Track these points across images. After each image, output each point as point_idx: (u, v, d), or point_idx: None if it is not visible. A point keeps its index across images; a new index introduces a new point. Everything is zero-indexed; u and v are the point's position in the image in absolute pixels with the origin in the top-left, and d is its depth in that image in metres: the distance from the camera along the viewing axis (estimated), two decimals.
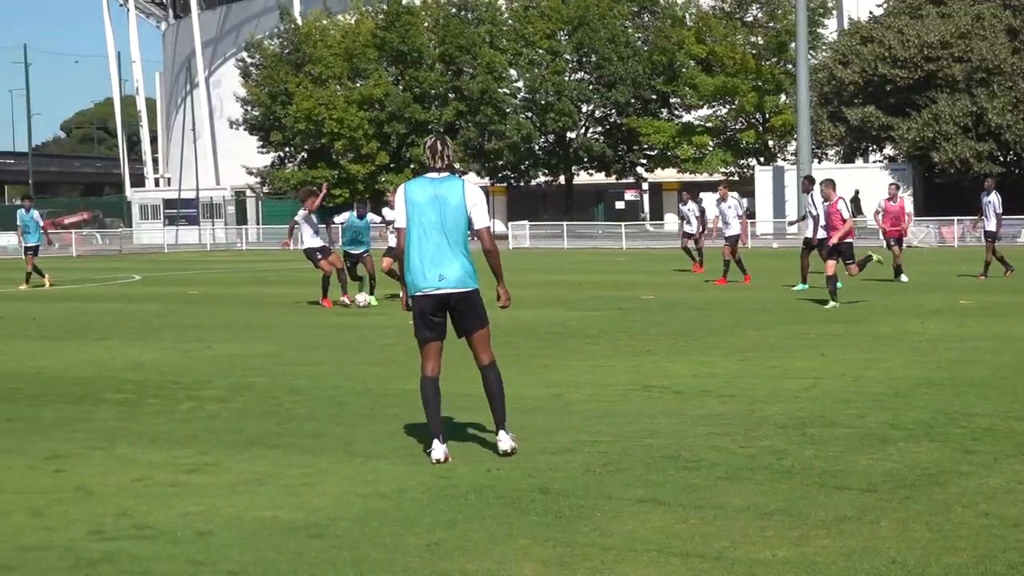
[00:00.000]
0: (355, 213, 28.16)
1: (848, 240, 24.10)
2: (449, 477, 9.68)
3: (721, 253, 33.17)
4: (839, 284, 24.53)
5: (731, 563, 7.31)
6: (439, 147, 10.47)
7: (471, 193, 10.42)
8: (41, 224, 36.17)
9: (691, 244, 37.90)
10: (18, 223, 35.99)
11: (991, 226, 32.24)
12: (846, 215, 23.83)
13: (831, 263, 23.86)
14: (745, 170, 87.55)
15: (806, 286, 29.15)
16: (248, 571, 7.37)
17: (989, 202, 32.35)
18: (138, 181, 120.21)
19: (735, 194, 32.64)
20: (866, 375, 14.89)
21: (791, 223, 36.63)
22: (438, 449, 10.23)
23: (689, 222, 37.82)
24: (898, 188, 34.24)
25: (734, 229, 32.48)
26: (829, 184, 24.44)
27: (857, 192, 69.14)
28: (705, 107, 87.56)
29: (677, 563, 7.35)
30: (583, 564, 7.36)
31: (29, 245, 35.76)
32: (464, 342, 10.83)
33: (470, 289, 10.49)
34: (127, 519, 8.62)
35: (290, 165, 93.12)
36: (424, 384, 10.42)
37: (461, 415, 12.41)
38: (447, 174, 10.47)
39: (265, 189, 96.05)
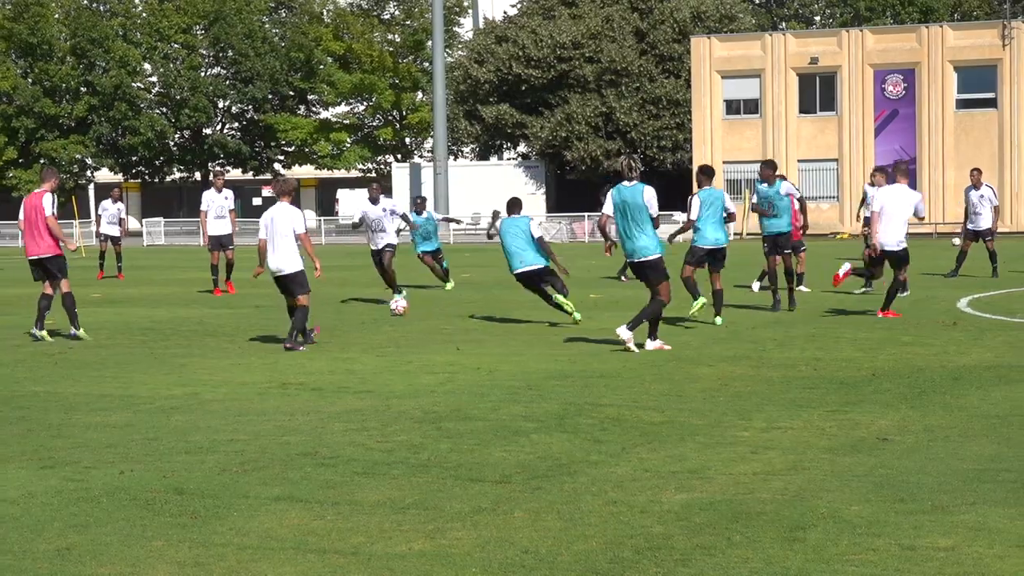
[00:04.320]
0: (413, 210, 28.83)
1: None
2: (81, 480, 9.47)
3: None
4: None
5: (368, 558, 7.36)
6: (631, 163, 16.81)
7: (648, 194, 16.56)
8: None
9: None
10: None
11: (984, 223, 29.09)
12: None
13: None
14: (382, 167, 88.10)
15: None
16: None
17: (982, 196, 29.18)
18: None
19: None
20: (501, 368, 15.17)
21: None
22: None
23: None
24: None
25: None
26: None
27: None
28: (343, 104, 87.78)
29: (314, 559, 7.36)
30: (219, 564, 7.31)
31: None
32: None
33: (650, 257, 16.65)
34: None
35: None
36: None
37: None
38: (636, 182, 16.63)
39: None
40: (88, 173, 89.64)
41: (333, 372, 15.17)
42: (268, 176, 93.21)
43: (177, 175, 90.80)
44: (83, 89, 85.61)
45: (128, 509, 8.60)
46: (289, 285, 18.03)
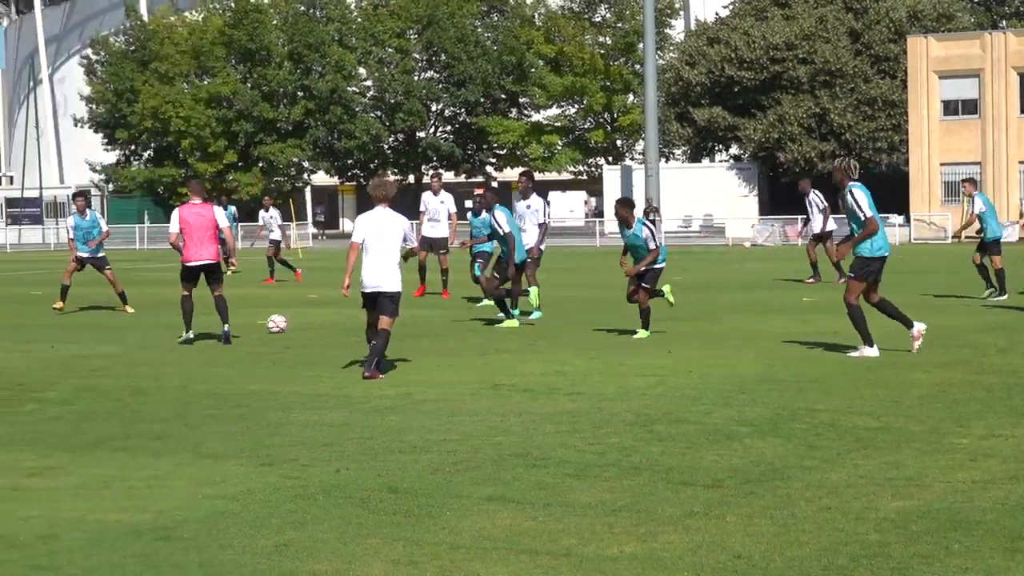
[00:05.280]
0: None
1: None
2: (298, 477, 9.62)
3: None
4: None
5: (579, 560, 7.35)
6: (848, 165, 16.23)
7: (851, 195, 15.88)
8: None
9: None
10: None
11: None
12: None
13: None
14: (593, 169, 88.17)
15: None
16: (93, 575, 7.26)
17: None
18: None
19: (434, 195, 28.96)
20: (712, 372, 15.05)
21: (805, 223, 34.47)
22: None
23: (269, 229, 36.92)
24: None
25: (444, 230, 28.18)
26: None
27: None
28: (554, 107, 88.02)
29: (526, 560, 7.38)
30: (432, 563, 7.36)
31: None
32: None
33: None
34: None
35: (136, 163, 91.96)
36: None
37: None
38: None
39: (110, 187, 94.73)
40: (305, 176, 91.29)
41: (544, 374, 15.19)
42: (480, 179, 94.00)
43: (391, 178, 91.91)
44: (300, 93, 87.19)
45: (344, 507, 8.72)
46: (385, 305, 15.48)
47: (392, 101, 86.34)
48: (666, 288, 20.07)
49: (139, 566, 7.41)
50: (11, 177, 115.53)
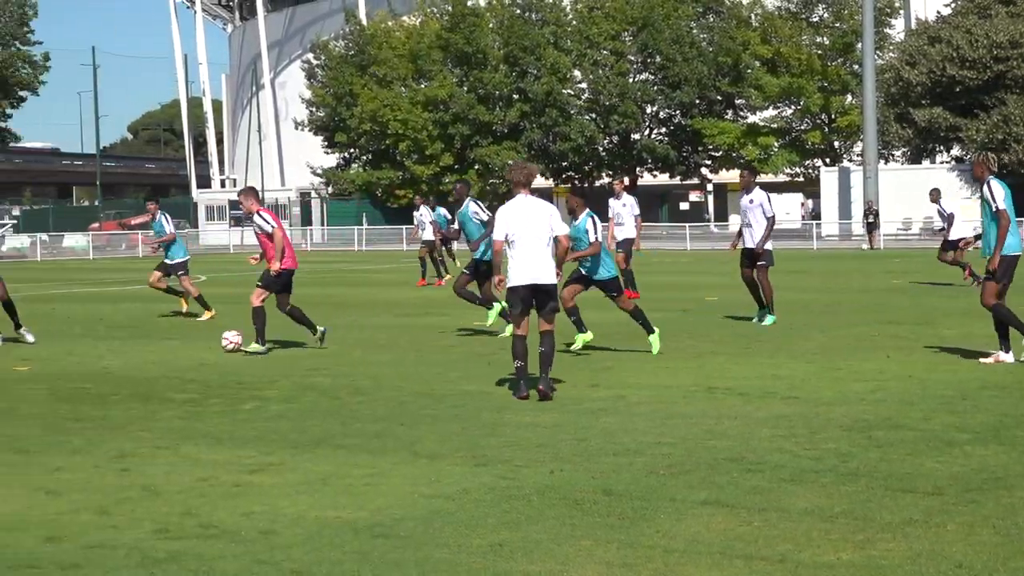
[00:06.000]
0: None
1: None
2: (513, 478, 9.67)
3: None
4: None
5: (795, 566, 7.27)
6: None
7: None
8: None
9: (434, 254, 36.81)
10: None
11: None
12: None
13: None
14: (811, 171, 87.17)
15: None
16: (312, 571, 7.39)
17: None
18: (204, 182, 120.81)
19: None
20: (932, 377, 14.76)
21: (938, 230, 34.35)
22: None
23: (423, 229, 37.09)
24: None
25: (628, 232, 28.01)
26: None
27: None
28: (770, 108, 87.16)
29: (741, 565, 7.32)
30: (646, 566, 7.34)
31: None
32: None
33: None
34: (192, 518, 8.66)
35: (355, 166, 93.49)
36: None
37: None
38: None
39: (329, 190, 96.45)
40: None
41: (760, 377, 15.06)
42: (695, 181, 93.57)
43: (606, 179, 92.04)
44: (515, 96, 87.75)
45: (558, 508, 8.74)
46: (546, 300, 13.94)
47: (607, 103, 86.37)
48: (584, 337, 18.42)
49: (356, 563, 7.51)
50: (234, 180, 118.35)
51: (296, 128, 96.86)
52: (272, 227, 18.66)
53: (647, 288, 28.25)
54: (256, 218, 18.89)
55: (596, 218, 17.97)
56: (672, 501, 8.86)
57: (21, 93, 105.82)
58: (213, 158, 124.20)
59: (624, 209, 27.82)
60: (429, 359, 17.69)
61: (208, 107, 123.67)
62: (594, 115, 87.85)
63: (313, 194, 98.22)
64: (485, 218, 21.02)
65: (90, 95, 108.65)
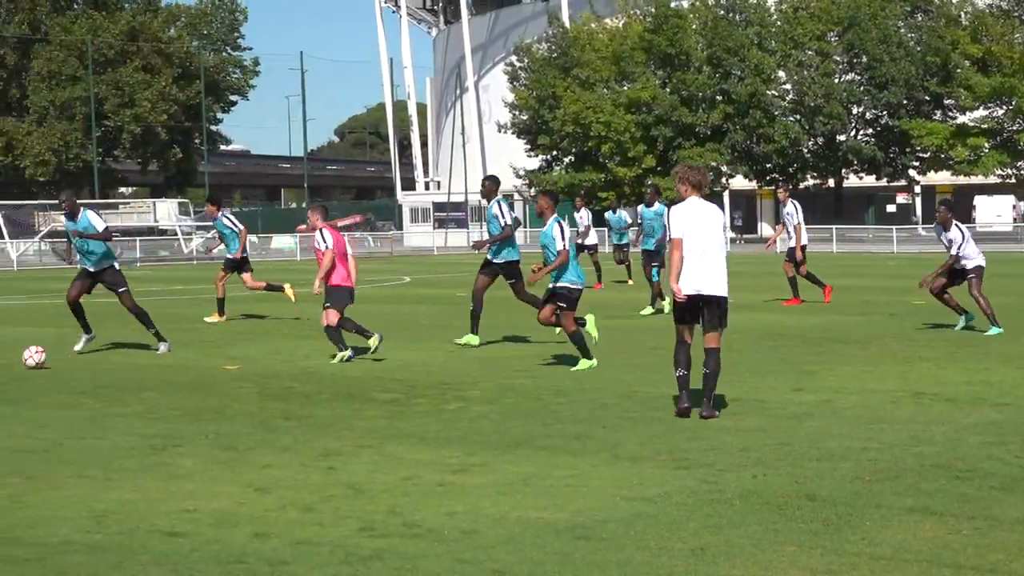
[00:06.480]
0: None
1: None
2: (715, 482, 9.61)
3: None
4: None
5: None
6: None
7: None
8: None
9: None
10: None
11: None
12: None
13: None
14: (1023, 172, 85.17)
15: None
16: (514, 571, 7.42)
17: None
18: (409, 184, 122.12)
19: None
20: None
21: None
22: None
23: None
24: None
25: (796, 239, 27.42)
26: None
27: None
28: (980, 108, 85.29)
29: (949, 575, 7.17)
30: (851, 573, 7.23)
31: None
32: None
33: None
34: (395, 517, 8.76)
35: (557, 168, 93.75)
36: None
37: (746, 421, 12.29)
38: None
39: (532, 192, 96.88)
40: (723, 180, 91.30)
41: (969, 383, 14.75)
42: (902, 183, 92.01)
43: (810, 182, 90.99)
44: (719, 98, 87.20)
45: (760, 513, 8.65)
46: (711, 314, 12.72)
47: (812, 104, 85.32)
48: (589, 318, 18.15)
49: (558, 564, 7.52)
50: (438, 182, 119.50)
51: (499, 131, 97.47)
52: (326, 247, 18.60)
53: (852, 292, 27.84)
54: (316, 235, 18.99)
55: (564, 224, 17.09)
56: (878, 507, 8.71)
57: (231, 97, 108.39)
58: (417, 161, 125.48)
59: (789, 218, 27.46)
60: (632, 362, 17.65)
61: (413, 110, 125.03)
62: (798, 116, 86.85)
63: (516, 196, 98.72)
64: (510, 220, 19.98)
65: (298, 99, 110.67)
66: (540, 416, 12.95)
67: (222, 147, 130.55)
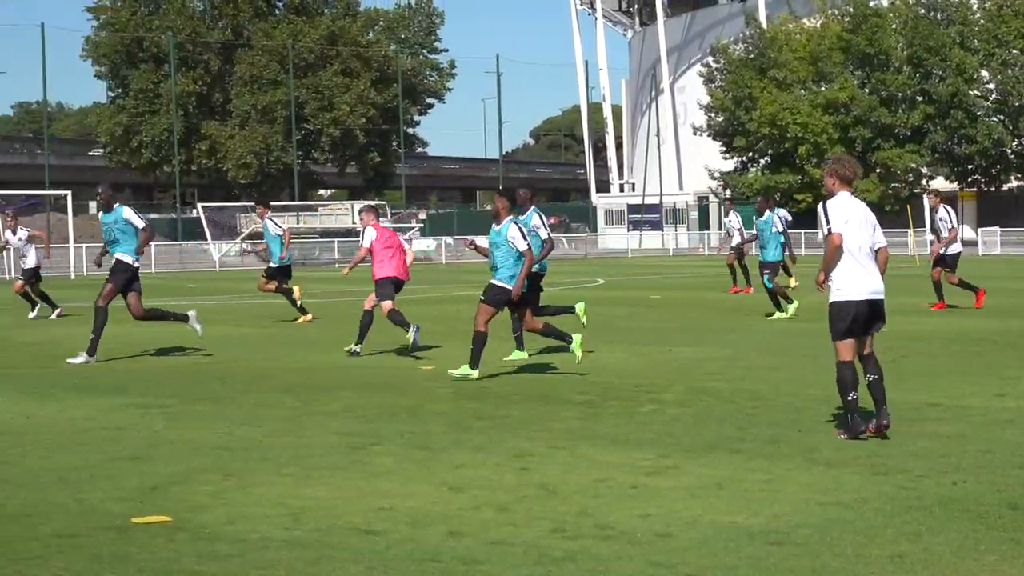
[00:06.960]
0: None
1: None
2: (913, 488, 9.44)
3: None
4: None
5: None
6: None
7: None
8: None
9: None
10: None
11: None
12: None
13: None
14: None
15: None
16: (706, 575, 7.37)
17: None
18: (603, 187, 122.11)
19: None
20: None
21: None
22: None
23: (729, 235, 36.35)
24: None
25: (955, 246, 26.90)
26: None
27: None
28: None
29: None
30: None
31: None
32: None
33: None
34: (588, 518, 8.76)
35: (753, 170, 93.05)
36: None
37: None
38: None
39: (727, 194, 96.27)
40: (923, 182, 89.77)
41: None
42: None
43: (1014, 183, 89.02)
44: (919, 98, 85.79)
45: (960, 521, 8.48)
46: (877, 318, 11.89)
47: (1016, 104, 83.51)
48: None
49: (751, 568, 7.46)
50: (632, 184, 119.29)
51: (694, 133, 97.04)
52: (368, 242, 20.20)
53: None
54: (365, 230, 20.43)
55: (520, 225, 16.68)
56: None
57: (428, 100, 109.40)
58: (612, 163, 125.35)
59: (943, 223, 26.88)
60: (827, 365, 17.39)
61: (608, 112, 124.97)
62: (1002, 117, 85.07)
63: (711, 198, 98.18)
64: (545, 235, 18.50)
65: (493, 102, 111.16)
66: (734, 419, 12.86)
67: (419, 149, 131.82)
